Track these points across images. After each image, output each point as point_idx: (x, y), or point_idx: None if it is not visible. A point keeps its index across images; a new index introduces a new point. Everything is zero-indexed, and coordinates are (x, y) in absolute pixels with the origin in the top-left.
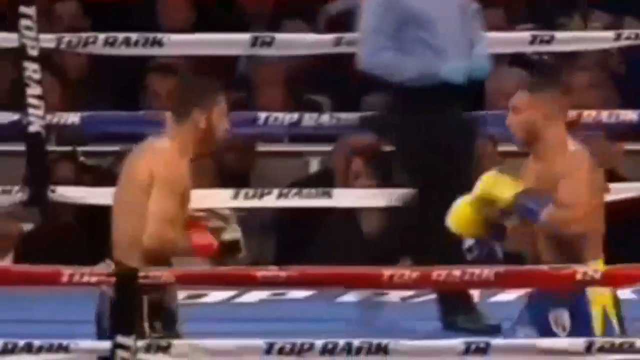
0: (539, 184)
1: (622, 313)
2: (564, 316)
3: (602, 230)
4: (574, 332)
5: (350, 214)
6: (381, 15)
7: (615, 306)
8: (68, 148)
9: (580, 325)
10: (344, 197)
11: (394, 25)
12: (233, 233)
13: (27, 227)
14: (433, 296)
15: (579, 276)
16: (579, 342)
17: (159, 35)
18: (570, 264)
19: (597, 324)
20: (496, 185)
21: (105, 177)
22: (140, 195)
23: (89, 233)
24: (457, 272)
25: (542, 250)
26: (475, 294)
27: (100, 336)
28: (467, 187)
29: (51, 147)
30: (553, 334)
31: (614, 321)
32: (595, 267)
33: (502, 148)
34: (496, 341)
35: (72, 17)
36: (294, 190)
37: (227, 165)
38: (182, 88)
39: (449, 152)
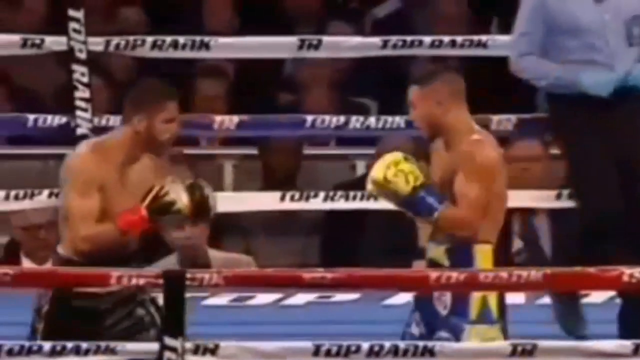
0: (445, 174)
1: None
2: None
3: (499, 219)
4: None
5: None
6: (531, 20)
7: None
8: None
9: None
10: None
11: (543, 31)
12: (172, 194)
13: None
14: None
15: (625, 278)
16: (627, 345)
17: (206, 39)
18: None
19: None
20: (397, 174)
21: None
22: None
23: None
24: (504, 274)
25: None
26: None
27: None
28: None
29: None
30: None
31: (493, 307)
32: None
33: None
34: (543, 343)
35: (136, 22)
36: (341, 193)
37: (274, 168)
38: (132, 92)
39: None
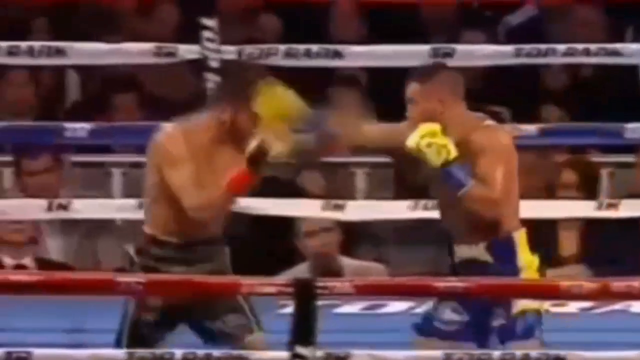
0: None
1: None
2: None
3: (518, 203)
4: None
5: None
6: None
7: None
8: None
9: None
10: (523, 209)
11: None
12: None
13: None
14: (612, 308)
15: None
16: None
17: (340, 47)
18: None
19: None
20: (430, 144)
21: (285, 188)
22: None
23: (268, 243)
24: (636, 283)
25: (460, 224)
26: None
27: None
28: None
29: None
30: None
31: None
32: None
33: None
34: None
35: (273, 31)
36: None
37: (406, 176)
38: (225, 81)
39: None
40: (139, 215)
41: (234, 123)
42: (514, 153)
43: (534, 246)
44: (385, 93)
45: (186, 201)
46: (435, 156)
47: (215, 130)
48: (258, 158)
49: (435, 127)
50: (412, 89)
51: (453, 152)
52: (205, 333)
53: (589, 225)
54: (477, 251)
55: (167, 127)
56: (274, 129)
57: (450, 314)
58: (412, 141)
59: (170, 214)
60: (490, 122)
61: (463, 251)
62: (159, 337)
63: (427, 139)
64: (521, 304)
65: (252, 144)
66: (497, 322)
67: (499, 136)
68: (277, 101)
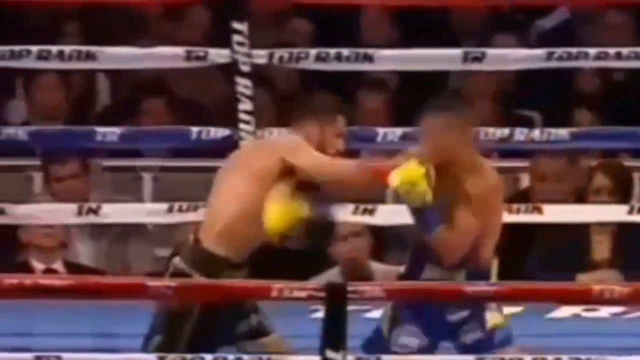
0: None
1: None
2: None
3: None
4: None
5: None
6: None
7: None
8: None
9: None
10: (555, 213)
11: None
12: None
13: None
14: None
15: None
16: None
17: (370, 51)
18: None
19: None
20: (409, 191)
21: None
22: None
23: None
24: None
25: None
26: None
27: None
28: None
29: None
30: None
31: None
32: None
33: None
34: None
35: (303, 35)
36: (504, 206)
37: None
38: (306, 100)
39: None
40: (169, 219)
41: (320, 142)
42: (500, 192)
43: (567, 250)
44: (416, 96)
45: (343, 175)
46: (411, 201)
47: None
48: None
49: (418, 171)
50: (427, 122)
51: (429, 199)
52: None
53: (621, 230)
54: (454, 276)
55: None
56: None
57: (406, 338)
58: (393, 182)
59: (244, 230)
60: (487, 165)
61: (435, 273)
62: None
63: (406, 186)
64: (492, 320)
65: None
66: (473, 337)
67: (489, 181)
68: (283, 216)
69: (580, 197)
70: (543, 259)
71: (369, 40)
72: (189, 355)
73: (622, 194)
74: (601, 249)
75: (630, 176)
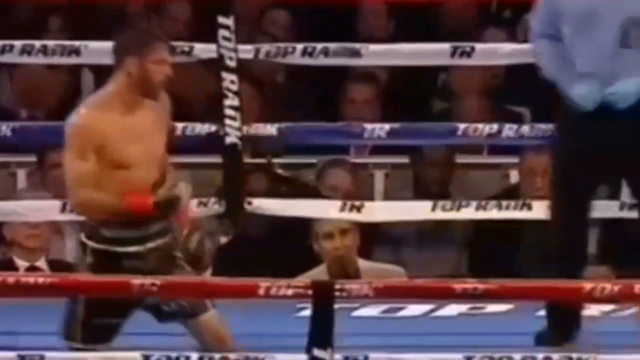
0: None
1: None
2: None
3: None
4: None
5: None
6: (545, 22)
7: None
8: (263, 160)
9: None
10: (545, 209)
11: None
12: (171, 192)
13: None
14: (635, 310)
15: None
16: None
17: (357, 46)
18: None
19: None
20: None
21: (301, 188)
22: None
23: (284, 245)
24: None
25: None
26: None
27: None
28: None
29: (247, 159)
30: None
31: None
32: None
33: None
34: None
35: (282, 26)
36: (493, 202)
37: (426, 179)
38: (119, 39)
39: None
40: None
41: (142, 73)
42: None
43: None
44: (407, 92)
45: (70, 195)
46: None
47: (126, 90)
48: (166, 207)
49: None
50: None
51: None
52: (161, 312)
53: (609, 226)
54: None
55: (82, 107)
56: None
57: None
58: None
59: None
60: None
61: None
62: (114, 327)
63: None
64: None
65: (164, 194)
66: None
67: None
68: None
69: None
70: (532, 256)
71: (367, 34)
72: (174, 353)
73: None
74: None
75: None
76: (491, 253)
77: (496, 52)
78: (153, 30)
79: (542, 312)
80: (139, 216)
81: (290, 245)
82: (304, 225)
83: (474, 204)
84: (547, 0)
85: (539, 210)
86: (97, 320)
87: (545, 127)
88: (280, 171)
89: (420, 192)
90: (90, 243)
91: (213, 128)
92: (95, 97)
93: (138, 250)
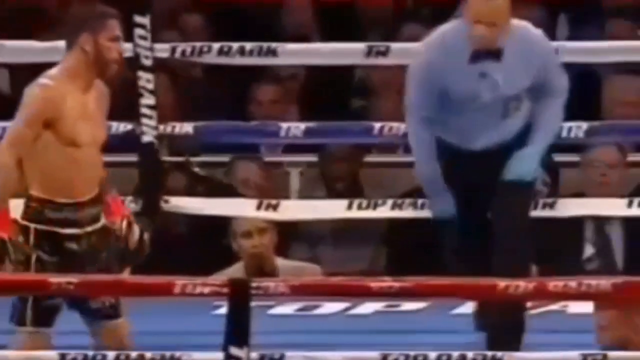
0: None
1: None
2: None
3: None
4: None
5: None
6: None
7: None
8: (181, 158)
9: None
10: None
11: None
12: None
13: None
14: (550, 307)
15: None
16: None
17: (273, 45)
18: None
19: None
20: None
21: (218, 187)
22: None
23: (201, 244)
24: (573, 283)
25: None
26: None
27: None
28: None
29: (165, 158)
30: None
31: None
32: None
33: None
34: (613, 353)
35: (195, 29)
36: (408, 201)
37: (332, 176)
38: (71, 15)
39: None
40: None
41: (96, 50)
42: None
43: None
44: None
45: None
46: None
47: (82, 67)
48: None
49: None
50: None
51: None
52: (88, 309)
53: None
54: None
55: (43, 79)
56: None
57: None
58: None
59: (52, 173)
60: None
61: None
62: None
63: None
64: None
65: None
66: None
67: None
68: None
69: None
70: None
71: (290, 31)
72: (90, 352)
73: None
74: None
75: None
76: (408, 251)
77: (412, 50)
78: (104, 7)
79: (458, 310)
80: (76, 198)
81: (208, 244)
82: (221, 224)
83: (389, 202)
84: (428, 77)
85: None
86: (44, 301)
87: None
88: (197, 170)
89: (328, 190)
90: (33, 225)
91: (129, 126)
92: (55, 71)
93: (76, 233)
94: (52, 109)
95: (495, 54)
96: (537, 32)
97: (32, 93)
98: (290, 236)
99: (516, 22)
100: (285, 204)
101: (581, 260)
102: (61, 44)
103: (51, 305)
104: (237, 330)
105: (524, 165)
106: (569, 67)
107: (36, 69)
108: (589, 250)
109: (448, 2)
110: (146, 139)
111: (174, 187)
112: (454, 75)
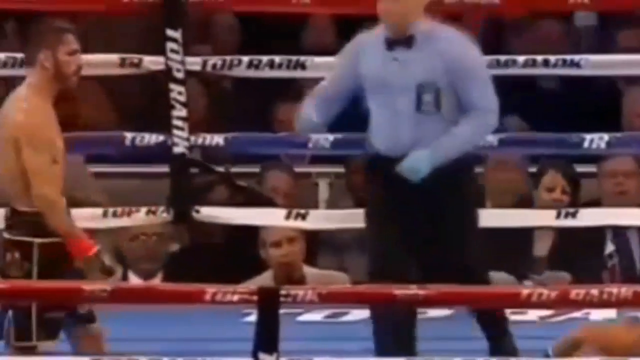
0: None
1: None
2: None
3: None
4: None
5: None
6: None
7: None
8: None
9: None
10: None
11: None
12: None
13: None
14: (573, 315)
15: None
16: None
17: (302, 58)
18: None
19: None
20: None
21: (258, 198)
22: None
23: (234, 252)
24: (595, 291)
25: None
26: None
27: None
28: None
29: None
30: None
31: None
32: None
33: None
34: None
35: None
36: None
37: (357, 187)
38: (30, 33)
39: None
40: (104, 224)
41: (56, 66)
42: None
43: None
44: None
45: (37, 189)
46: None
47: (46, 83)
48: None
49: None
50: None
51: None
52: (75, 314)
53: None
54: None
55: (20, 101)
56: None
57: None
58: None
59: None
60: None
61: None
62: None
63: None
64: None
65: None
66: None
67: None
68: None
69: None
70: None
71: (311, 47)
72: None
73: (573, 192)
74: (542, 247)
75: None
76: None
77: None
78: (60, 22)
79: None
80: None
81: (239, 252)
82: (252, 233)
83: None
84: (342, 62)
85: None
86: (48, 314)
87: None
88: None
89: (357, 201)
90: (38, 240)
91: (161, 138)
92: (24, 90)
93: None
94: (44, 130)
95: (407, 42)
96: (454, 37)
97: (22, 121)
98: (319, 245)
99: (437, 24)
100: (314, 213)
101: (604, 256)
102: (92, 56)
103: (56, 318)
104: (266, 337)
105: (412, 162)
106: (592, 79)
107: None
108: (609, 247)
109: None
110: (177, 150)
111: (216, 199)
112: (369, 62)
